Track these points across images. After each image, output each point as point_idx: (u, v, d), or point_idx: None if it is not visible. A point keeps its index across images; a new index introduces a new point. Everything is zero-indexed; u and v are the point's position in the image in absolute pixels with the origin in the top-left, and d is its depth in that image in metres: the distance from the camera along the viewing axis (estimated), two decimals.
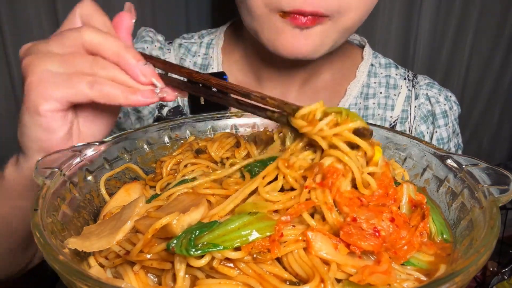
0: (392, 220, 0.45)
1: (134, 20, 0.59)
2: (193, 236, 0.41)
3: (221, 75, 0.90)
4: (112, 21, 0.59)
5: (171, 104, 0.97)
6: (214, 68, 0.98)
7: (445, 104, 0.97)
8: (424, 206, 0.50)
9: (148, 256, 0.44)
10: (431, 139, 0.98)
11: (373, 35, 2.05)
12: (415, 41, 2.17)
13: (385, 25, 2.10)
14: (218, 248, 0.40)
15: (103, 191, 0.59)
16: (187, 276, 0.43)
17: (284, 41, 0.77)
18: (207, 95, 0.59)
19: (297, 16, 0.74)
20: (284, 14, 0.75)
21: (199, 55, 1.01)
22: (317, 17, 0.74)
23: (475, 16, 2.19)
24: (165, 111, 0.98)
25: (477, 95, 2.45)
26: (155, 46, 0.99)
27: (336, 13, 0.75)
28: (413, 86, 0.99)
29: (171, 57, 1.00)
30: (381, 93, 0.97)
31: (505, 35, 2.31)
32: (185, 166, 0.61)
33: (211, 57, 1.00)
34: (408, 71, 1.02)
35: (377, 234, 0.44)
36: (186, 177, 0.57)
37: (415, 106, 0.97)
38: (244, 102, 0.56)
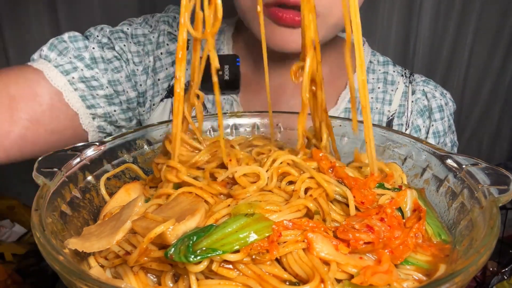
0: (381, 219, 0.45)
1: None
2: (191, 242, 0.41)
3: (234, 58, 0.94)
4: None
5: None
6: (225, 52, 1.00)
7: (441, 99, 1.01)
8: (421, 209, 0.50)
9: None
10: (428, 132, 1.01)
11: (373, 35, 2.04)
12: (415, 40, 2.17)
13: (385, 25, 2.09)
14: (217, 253, 0.40)
15: (103, 191, 0.59)
16: (185, 276, 0.43)
17: (272, 36, 0.79)
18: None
19: (278, 10, 0.74)
20: (267, 7, 0.75)
21: None
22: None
23: (475, 16, 2.19)
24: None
25: (477, 95, 2.44)
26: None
27: (322, 9, 0.75)
28: (410, 82, 1.02)
29: None
30: (379, 88, 1.00)
31: (504, 35, 2.30)
32: None
33: (222, 41, 1.02)
34: (405, 69, 1.05)
35: (371, 231, 0.44)
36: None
37: (412, 101, 1.00)
38: None
